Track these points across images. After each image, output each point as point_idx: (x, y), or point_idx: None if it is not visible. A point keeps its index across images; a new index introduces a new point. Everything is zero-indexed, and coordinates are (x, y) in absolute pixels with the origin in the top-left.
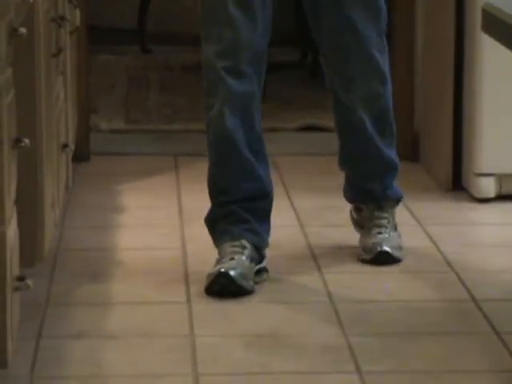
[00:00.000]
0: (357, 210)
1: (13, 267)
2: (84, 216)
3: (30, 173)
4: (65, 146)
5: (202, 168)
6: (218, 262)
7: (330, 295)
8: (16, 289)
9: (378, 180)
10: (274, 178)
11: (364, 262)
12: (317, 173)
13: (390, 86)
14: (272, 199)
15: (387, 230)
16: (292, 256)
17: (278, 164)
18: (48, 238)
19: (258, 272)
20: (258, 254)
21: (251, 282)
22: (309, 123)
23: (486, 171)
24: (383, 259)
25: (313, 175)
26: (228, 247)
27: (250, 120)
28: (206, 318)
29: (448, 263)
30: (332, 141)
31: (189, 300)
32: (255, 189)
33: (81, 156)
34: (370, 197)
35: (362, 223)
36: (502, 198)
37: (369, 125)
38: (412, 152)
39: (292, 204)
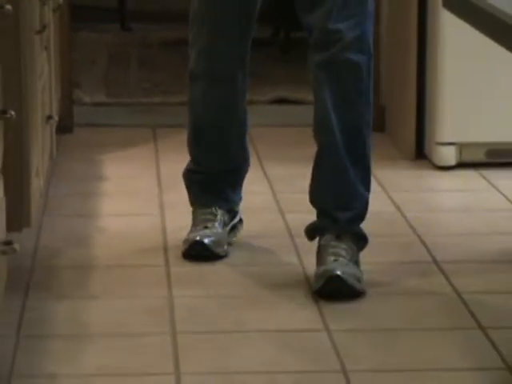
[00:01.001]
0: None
1: (0, 232)
2: (68, 184)
3: (15, 143)
4: (49, 117)
5: (179, 139)
6: (193, 228)
7: (299, 257)
8: (3, 252)
9: (342, 208)
10: (250, 150)
11: (316, 294)
12: (289, 143)
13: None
14: (248, 167)
15: (345, 260)
16: (264, 221)
17: (252, 135)
18: (34, 204)
19: (233, 229)
20: (230, 214)
21: (225, 247)
22: (281, 96)
23: (447, 140)
24: (334, 286)
25: (285, 146)
26: (200, 214)
27: (233, 100)
28: (183, 280)
29: (411, 227)
30: (303, 113)
31: (167, 263)
32: (232, 164)
33: (64, 128)
34: (332, 226)
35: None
36: (462, 165)
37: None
38: (378, 123)
39: (265, 173)
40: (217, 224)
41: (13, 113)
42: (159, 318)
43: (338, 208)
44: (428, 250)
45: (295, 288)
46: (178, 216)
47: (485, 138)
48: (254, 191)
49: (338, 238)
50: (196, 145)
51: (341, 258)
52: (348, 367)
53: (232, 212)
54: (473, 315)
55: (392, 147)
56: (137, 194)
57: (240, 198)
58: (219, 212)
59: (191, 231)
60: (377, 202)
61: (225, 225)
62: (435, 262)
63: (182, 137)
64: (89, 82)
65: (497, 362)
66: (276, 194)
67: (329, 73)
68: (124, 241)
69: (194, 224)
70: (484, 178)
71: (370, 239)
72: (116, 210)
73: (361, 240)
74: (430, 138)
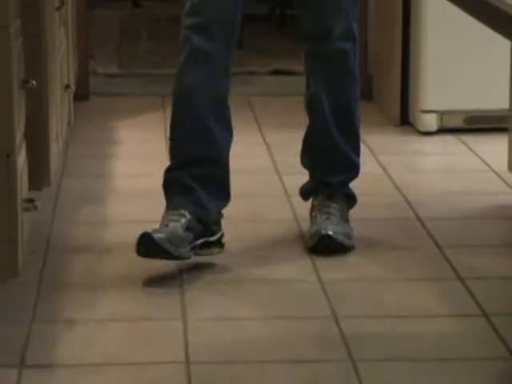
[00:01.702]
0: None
1: (23, 190)
2: (84, 148)
3: (37, 109)
4: (67, 86)
5: None
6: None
7: (295, 214)
8: (26, 209)
9: (334, 173)
10: (248, 116)
11: (309, 251)
12: (285, 111)
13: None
14: (227, 171)
15: (336, 219)
16: (263, 181)
17: (252, 103)
18: (53, 166)
19: (205, 245)
20: (203, 227)
21: (181, 249)
22: (278, 68)
23: (429, 108)
24: (326, 244)
25: (282, 113)
26: (168, 215)
27: (212, 81)
28: None
29: (397, 187)
30: (298, 83)
31: None
32: (209, 154)
33: (81, 96)
34: (324, 188)
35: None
36: (442, 131)
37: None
38: (366, 92)
39: (264, 138)
40: (178, 225)
41: (34, 82)
42: (167, 268)
43: (330, 173)
44: (412, 208)
45: (290, 243)
46: None
47: (463, 105)
48: (253, 154)
49: (330, 198)
50: (176, 132)
51: (332, 217)
52: (338, 314)
53: (205, 225)
54: (452, 267)
55: (379, 114)
56: (147, 156)
57: (217, 208)
58: (187, 215)
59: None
60: (365, 164)
61: (189, 230)
62: (418, 218)
63: None
64: (103, 54)
65: (474, 309)
66: (273, 156)
67: (320, 60)
68: (136, 199)
69: (160, 223)
70: (463, 142)
71: (359, 198)
72: (128, 171)
73: (350, 199)
74: (414, 106)
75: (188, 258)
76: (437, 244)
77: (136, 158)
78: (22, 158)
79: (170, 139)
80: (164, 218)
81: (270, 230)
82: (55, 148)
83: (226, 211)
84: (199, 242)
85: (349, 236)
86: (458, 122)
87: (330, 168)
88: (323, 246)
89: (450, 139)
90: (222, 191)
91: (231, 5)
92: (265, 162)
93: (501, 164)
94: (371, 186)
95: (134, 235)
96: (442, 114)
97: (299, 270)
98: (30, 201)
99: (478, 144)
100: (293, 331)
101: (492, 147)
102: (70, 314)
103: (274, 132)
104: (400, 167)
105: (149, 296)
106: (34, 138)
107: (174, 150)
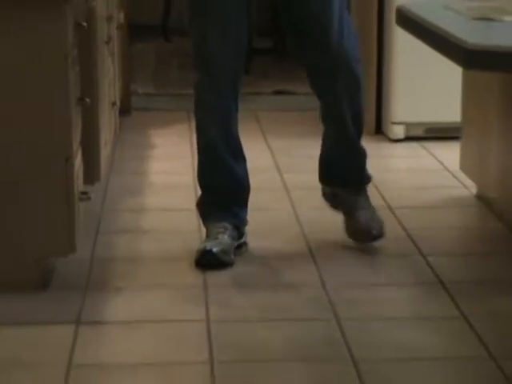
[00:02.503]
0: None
1: (79, 185)
2: (127, 151)
3: (90, 122)
4: (114, 103)
5: None
6: (206, 239)
7: (293, 205)
8: (81, 199)
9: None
10: (255, 127)
11: (355, 239)
12: (286, 123)
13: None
14: (249, 190)
15: (369, 211)
16: (266, 178)
17: (259, 117)
18: (103, 166)
19: (239, 246)
20: (238, 232)
21: (232, 256)
22: (280, 89)
23: (398, 120)
24: (373, 236)
25: (283, 124)
26: (213, 228)
27: (227, 129)
28: None
29: (372, 183)
30: (296, 101)
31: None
32: (234, 185)
33: (124, 111)
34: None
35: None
36: (408, 139)
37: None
38: None
39: (268, 145)
40: (226, 236)
41: (88, 100)
42: (192, 244)
43: (355, 169)
44: (384, 199)
45: (287, 228)
46: None
47: (425, 119)
48: (259, 157)
49: (358, 192)
50: (205, 171)
51: (366, 209)
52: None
53: (239, 230)
54: (416, 245)
55: None
56: (175, 157)
57: (246, 220)
58: (229, 227)
59: (204, 242)
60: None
61: (233, 238)
62: (389, 207)
63: None
64: (141, 78)
65: (431, 277)
66: (276, 159)
67: (341, 77)
68: (167, 191)
69: (207, 236)
70: (424, 148)
71: None
72: (161, 169)
73: (369, 181)
74: (386, 118)
75: (233, 262)
76: (404, 228)
77: (167, 159)
78: (78, 161)
79: (199, 176)
80: (210, 230)
81: (269, 217)
82: (104, 152)
83: None
84: (236, 245)
85: (380, 223)
86: (420, 132)
87: (354, 164)
88: (370, 237)
89: (414, 145)
90: (246, 202)
91: (236, 63)
92: (268, 163)
93: (454, 165)
94: None
95: (166, 220)
96: (407, 125)
97: (293, 251)
98: (85, 193)
99: (436, 149)
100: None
101: (447, 152)
102: (116, 282)
103: (277, 140)
104: (375, 167)
105: (178, 271)
106: (88, 144)
107: (204, 184)
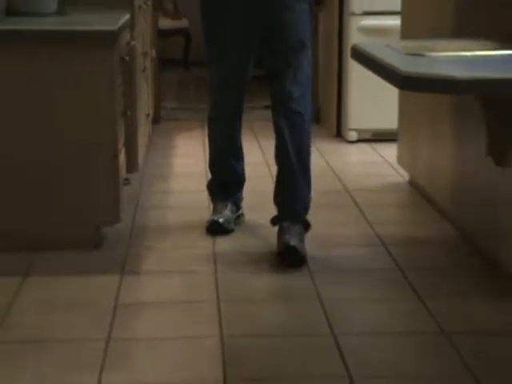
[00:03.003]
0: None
1: (123, 173)
2: (157, 150)
3: (131, 129)
4: (148, 115)
5: None
6: (213, 213)
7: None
8: (124, 184)
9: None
10: (251, 133)
11: (278, 257)
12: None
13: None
14: (244, 180)
15: (296, 238)
16: (257, 170)
17: (253, 126)
18: (140, 160)
19: (238, 217)
20: (237, 207)
21: (232, 225)
22: (269, 104)
23: (352, 127)
24: (290, 252)
25: (271, 131)
26: (218, 206)
27: (232, 140)
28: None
29: (333, 172)
30: None
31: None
32: (234, 179)
33: (155, 120)
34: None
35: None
36: (360, 141)
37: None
38: (317, 118)
39: (259, 145)
40: (227, 211)
41: (129, 113)
42: (204, 217)
43: (293, 206)
44: (342, 184)
45: (272, 204)
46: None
47: (371, 126)
48: (251, 155)
49: (293, 223)
50: (215, 169)
51: (294, 236)
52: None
53: (237, 205)
54: (365, 217)
55: (324, 131)
56: (193, 155)
57: (242, 198)
58: (229, 204)
59: (212, 215)
60: (316, 160)
61: (232, 212)
62: (346, 190)
63: None
64: (168, 97)
65: (374, 240)
66: (265, 155)
67: (286, 116)
68: (187, 178)
69: (214, 210)
70: (371, 147)
71: (316, 177)
72: (183, 163)
73: (306, 226)
74: (344, 125)
75: (234, 229)
76: (355, 202)
77: (186, 156)
78: (122, 156)
79: (210, 165)
80: (216, 206)
81: (261, 197)
82: (141, 150)
83: None
84: (235, 216)
85: (305, 250)
86: (368, 136)
87: (293, 201)
88: (288, 253)
89: (364, 146)
90: (242, 187)
91: (241, 97)
92: (259, 159)
93: (392, 159)
94: (320, 172)
95: (185, 199)
96: (359, 131)
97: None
98: (127, 179)
99: (380, 148)
100: None
101: (388, 150)
102: (148, 243)
103: (266, 141)
104: (336, 161)
105: (193, 237)
106: (130, 145)
107: (213, 172)
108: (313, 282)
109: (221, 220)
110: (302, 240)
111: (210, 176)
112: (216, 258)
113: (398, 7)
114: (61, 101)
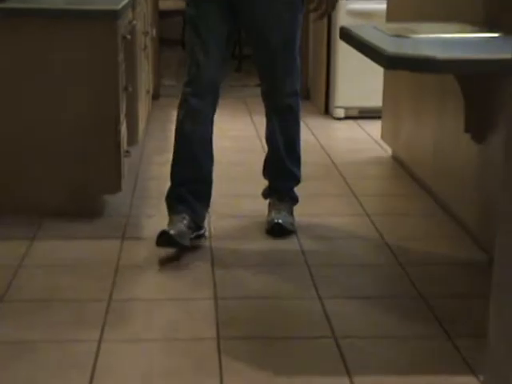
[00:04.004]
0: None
1: (124, 146)
2: (156, 124)
3: (132, 104)
4: (148, 91)
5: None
6: (167, 225)
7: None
8: (125, 156)
9: (283, 183)
10: (244, 108)
11: (266, 233)
12: None
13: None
14: (210, 186)
15: (284, 213)
16: (249, 143)
17: (247, 102)
18: (140, 133)
19: (197, 237)
20: (196, 225)
21: (186, 240)
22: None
23: (339, 105)
24: (277, 229)
25: (263, 106)
26: (174, 218)
27: (203, 129)
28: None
29: (321, 146)
30: None
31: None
32: (198, 175)
33: (155, 96)
34: (276, 192)
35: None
36: (347, 118)
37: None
38: (306, 95)
39: (252, 120)
40: (182, 225)
41: (130, 88)
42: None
43: (280, 183)
44: (330, 158)
45: (260, 175)
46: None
47: (358, 104)
48: (246, 129)
49: (280, 199)
50: (176, 161)
51: (282, 211)
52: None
53: (197, 224)
54: (350, 188)
55: (313, 108)
56: None
57: (205, 212)
58: (187, 218)
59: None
60: (306, 135)
61: (189, 228)
62: (334, 164)
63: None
64: (167, 74)
65: (359, 209)
66: (258, 130)
67: (276, 111)
68: None
69: (168, 223)
70: (357, 124)
71: (305, 152)
72: None
73: (294, 200)
74: (331, 103)
75: (188, 246)
76: (342, 175)
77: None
78: (124, 129)
79: (172, 167)
80: (171, 219)
81: (251, 168)
82: (141, 124)
83: (228, 160)
84: (193, 235)
85: (292, 224)
86: (355, 113)
87: (280, 179)
88: (275, 230)
89: (350, 122)
90: (207, 200)
91: (217, 75)
92: (252, 133)
93: (377, 135)
94: (309, 146)
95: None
96: (346, 108)
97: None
98: (128, 151)
99: (365, 125)
100: None
101: (373, 126)
102: (148, 210)
103: (259, 116)
104: (324, 136)
105: None
106: (131, 118)
107: (175, 174)
108: (301, 249)
109: (172, 232)
110: (290, 214)
111: (169, 184)
112: (210, 226)
113: None
114: (66, 76)
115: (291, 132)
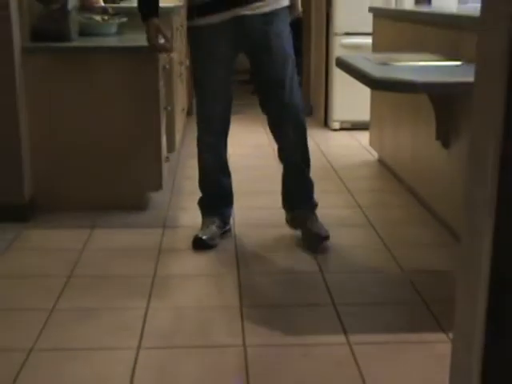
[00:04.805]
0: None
1: (164, 152)
2: (190, 135)
3: (170, 120)
4: (183, 109)
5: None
6: (201, 228)
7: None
8: (165, 160)
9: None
10: (258, 123)
11: (308, 248)
12: None
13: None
14: (232, 197)
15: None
16: (261, 144)
17: (261, 117)
18: (177, 142)
19: (224, 232)
20: (224, 223)
21: (216, 241)
22: None
23: (336, 119)
24: (321, 241)
25: None
26: (206, 220)
27: (220, 160)
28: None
29: (321, 152)
30: None
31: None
32: (223, 195)
33: (189, 113)
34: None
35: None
36: (341, 129)
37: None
38: (309, 112)
39: (266, 131)
40: (214, 227)
41: (169, 108)
42: None
43: (304, 202)
44: (329, 162)
45: (275, 177)
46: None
47: (350, 118)
48: (258, 137)
49: (310, 211)
50: (204, 185)
51: (315, 222)
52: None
53: (225, 222)
54: (345, 185)
55: (315, 121)
56: None
57: (230, 214)
58: (217, 220)
59: (199, 230)
60: (309, 143)
61: (218, 227)
62: (332, 166)
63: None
64: None
65: (351, 202)
66: (269, 139)
67: (288, 123)
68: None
69: (202, 225)
70: (350, 134)
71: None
72: None
73: (316, 205)
74: (329, 118)
75: (217, 244)
76: (338, 175)
77: None
78: (164, 139)
79: (199, 182)
80: (204, 222)
81: (265, 172)
82: (178, 135)
83: (244, 163)
84: (222, 231)
85: (326, 230)
86: (348, 126)
87: (305, 200)
88: (319, 243)
89: (344, 133)
90: (231, 203)
91: (226, 116)
92: (264, 141)
93: (366, 143)
94: (312, 152)
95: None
96: (341, 122)
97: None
98: (167, 157)
99: (357, 135)
100: None
101: (363, 136)
102: (184, 204)
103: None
104: (323, 144)
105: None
106: (169, 131)
107: (202, 189)
108: None
109: (204, 237)
110: (325, 228)
111: (200, 194)
112: (235, 216)
113: (370, 29)
114: (120, 98)
115: (304, 143)
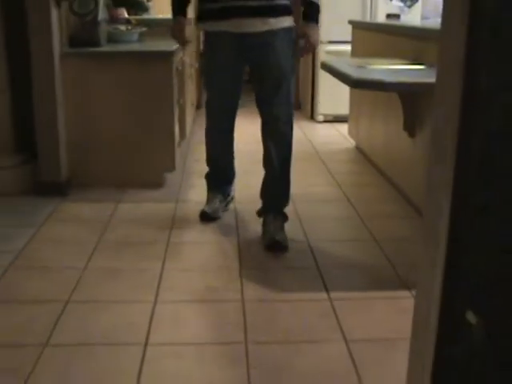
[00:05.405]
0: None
1: (177, 139)
2: (199, 125)
3: (182, 112)
4: (192, 103)
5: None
6: (206, 203)
7: None
8: (178, 146)
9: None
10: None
11: (265, 249)
12: None
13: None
14: (234, 177)
15: (278, 229)
16: (254, 135)
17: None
18: (187, 131)
19: (227, 203)
20: (225, 197)
21: (219, 213)
22: None
23: (320, 113)
24: (277, 247)
25: None
26: (210, 195)
27: (228, 149)
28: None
29: (308, 140)
30: None
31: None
32: (225, 175)
33: (197, 107)
34: (271, 211)
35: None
36: (325, 121)
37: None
38: (298, 106)
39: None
40: (217, 200)
41: (181, 101)
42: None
43: (276, 202)
44: (314, 148)
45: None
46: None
47: (332, 112)
48: (257, 131)
49: (274, 217)
50: (211, 166)
51: (278, 229)
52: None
53: (227, 195)
54: (326, 167)
55: (302, 115)
56: None
57: (232, 189)
58: (219, 195)
59: (205, 205)
60: (298, 133)
61: (221, 202)
62: (316, 152)
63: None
64: (205, 93)
65: (331, 181)
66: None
67: (272, 136)
68: None
69: (207, 199)
70: (333, 126)
71: (297, 145)
72: None
73: (285, 217)
74: (315, 111)
75: (220, 216)
76: (322, 160)
77: None
78: (176, 130)
79: (207, 161)
80: (209, 197)
81: (253, 151)
82: (188, 125)
83: (245, 148)
84: (225, 204)
85: (287, 240)
86: (331, 118)
87: (276, 199)
88: (275, 248)
89: (328, 125)
90: (232, 179)
91: (234, 109)
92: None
93: (345, 132)
94: (300, 140)
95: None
96: (325, 115)
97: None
98: (179, 144)
99: (338, 126)
100: None
101: (343, 127)
102: (193, 181)
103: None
104: (310, 134)
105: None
106: (181, 121)
107: (209, 166)
108: (294, 206)
109: (209, 211)
110: (282, 229)
111: (207, 169)
112: (235, 193)
113: (349, 38)
114: (140, 94)
115: (285, 155)
